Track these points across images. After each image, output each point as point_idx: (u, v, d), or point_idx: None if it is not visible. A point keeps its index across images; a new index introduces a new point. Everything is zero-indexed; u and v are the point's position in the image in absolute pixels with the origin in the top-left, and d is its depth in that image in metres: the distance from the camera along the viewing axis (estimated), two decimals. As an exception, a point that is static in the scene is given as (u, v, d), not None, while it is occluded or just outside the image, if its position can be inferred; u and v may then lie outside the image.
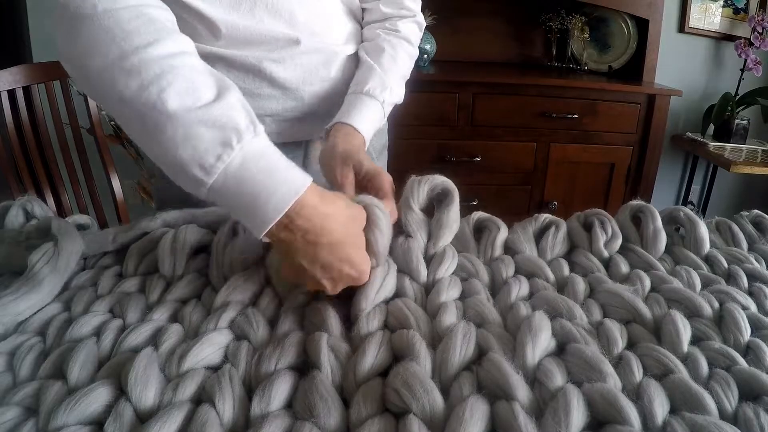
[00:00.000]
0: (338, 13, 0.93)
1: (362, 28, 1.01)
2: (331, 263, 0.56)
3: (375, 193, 0.71)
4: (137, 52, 0.54)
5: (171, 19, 0.62)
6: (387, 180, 0.75)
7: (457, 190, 0.70)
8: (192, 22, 0.79)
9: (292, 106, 0.91)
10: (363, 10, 1.00)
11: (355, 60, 0.97)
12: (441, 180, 0.70)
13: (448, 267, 0.66)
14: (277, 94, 0.89)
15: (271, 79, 0.86)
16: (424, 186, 0.69)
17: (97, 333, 0.56)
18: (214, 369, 0.50)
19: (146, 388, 0.46)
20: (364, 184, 0.76)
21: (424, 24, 1.04)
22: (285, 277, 0.61)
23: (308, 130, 0.98)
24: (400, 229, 0.69)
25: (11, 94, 1.49)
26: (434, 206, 0.72)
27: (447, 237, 0.70)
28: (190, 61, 0.57)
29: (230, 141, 0.52)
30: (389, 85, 0.92)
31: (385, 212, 0.63)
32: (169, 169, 0.55)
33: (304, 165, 1.00)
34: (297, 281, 0.60)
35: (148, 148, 0.56)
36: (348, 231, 0.58)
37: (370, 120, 0.88)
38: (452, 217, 0.70)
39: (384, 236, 0.63)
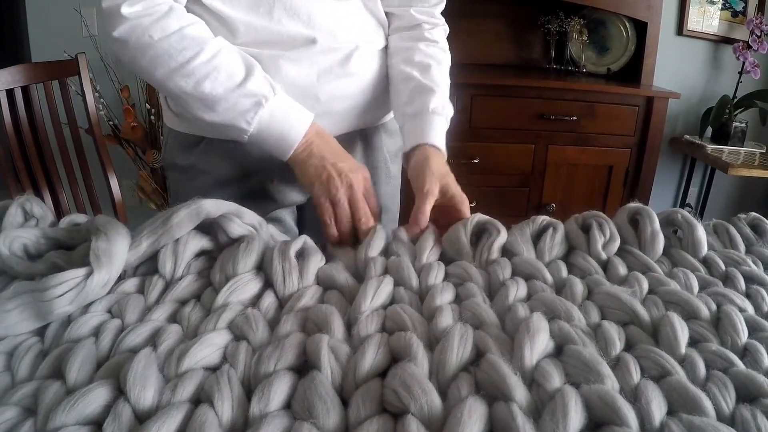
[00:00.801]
0: (358, 13, 0.94)
1: (390, 33, 1.02)
2: (333, 159, 0.82)
3: (452, 216, 0.83)
4: (190, 62, 0.77)
5: (204, 27, 0.81)
6: (467, 209, 0.84)
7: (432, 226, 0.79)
8: (211, 22, 0.84)
9: (306, 104, 0.91)
10: (388, 14, 1.01)
11: (377, 56, 0.98)
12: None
13: (436, 274, 0.67)
14: (293, 92, 0.89)
15: (284, 75, 0.88)
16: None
17: (96, 333, 0.55)
18: (213, 369, 0.51)
19: (145, 389, 0.46)
20: (446, 206, 0.85)
21: (448, 31, 1.06)
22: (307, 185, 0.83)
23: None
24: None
25: (10, 93, 1.49)
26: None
27: (429, 255, 0.73)
28: (225, 55, 0.80)
29: (261, 102, 0.80)
30: (446, 99, 0.97)
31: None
32: (221, 127, 0.83)
33: None
34: (312, 187, 0.82)
35: (207, 119, 0.81)
36: (339, 150, 0.86)
37: (443, 137, 0.94)
38: (430, 241, 0.75)
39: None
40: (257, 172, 0.97)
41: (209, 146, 0.95)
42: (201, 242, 0.70)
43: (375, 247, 0.72)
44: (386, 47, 1.02)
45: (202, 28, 0.81)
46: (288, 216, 1.04)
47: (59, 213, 1.63)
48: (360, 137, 1.05)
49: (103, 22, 0.77)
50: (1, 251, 0.64)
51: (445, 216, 0.83)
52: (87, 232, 0.67)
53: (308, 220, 1.09)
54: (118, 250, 0.63)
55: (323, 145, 0.83)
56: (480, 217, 0.76)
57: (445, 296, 0.62)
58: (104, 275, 0.60)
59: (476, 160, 2.48)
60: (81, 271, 0.59)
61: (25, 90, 1.54)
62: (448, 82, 1.01)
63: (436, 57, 0.99)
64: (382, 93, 1.01)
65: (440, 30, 1.03)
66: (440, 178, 0.85)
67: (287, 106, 0.83)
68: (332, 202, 0.79)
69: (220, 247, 0.71)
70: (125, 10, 0.73)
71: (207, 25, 0.83)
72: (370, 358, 0.50)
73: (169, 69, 0.77)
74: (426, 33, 1.00)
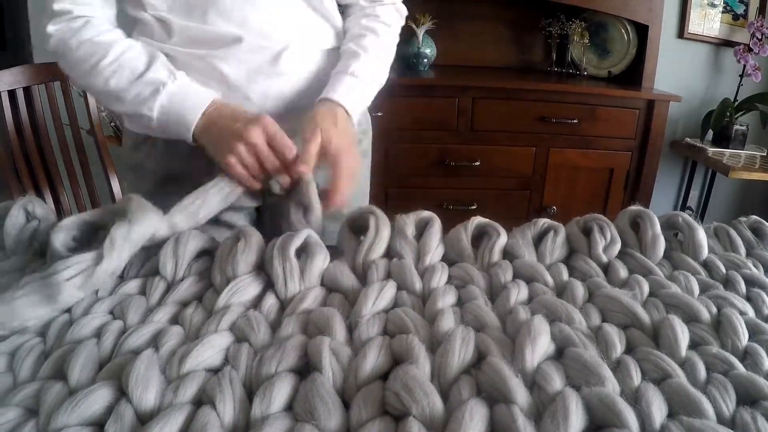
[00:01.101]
0: (298, 11, 0.95)
1: (344, 23, 1.04)
2: (229, 123, 0.83)
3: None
4: (98, 64, 0.85)
5: (116, 34, 0.89)
6: (341, 168, 0.87)
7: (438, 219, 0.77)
8: (149, 22, 0.90)
9: (239, 103, 0.92)
10: (343, 7, 1.04)
11: (318, 56, 0.99)
12: (427, 214, 0.77)
13: (440, 277, 0.67)
14: (224, 91, 0.91)
15: (216, 75, 0.91)
16: (411, 218, 0.76)
17: (98, 334, 0.56)
18: (215, 371, 0.51)
19: (147, 390, 0.47)
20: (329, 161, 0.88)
21: (405, 12, 1.09)
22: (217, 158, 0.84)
23: None
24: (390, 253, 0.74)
25: (12, 94, 1.49)
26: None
27: (433, 256, 0.72)
28: (128, 54, 0.86)
29: (159, 88, 0.85)
30: (372, 66, 0.99)
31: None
32: (132, 116, 0.90)
33: None
34: (222, 156, 0.82)
35: (120, 110, 0.89)
36: (236, 113, 0.85)
37: (354, 98, 0.95)
38: (435, 241, 0.73)
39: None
40: (204, 172, 0.92)
41: (154, 145, 0.97)
42: (201, 242, 0.70)
43: (377, 250, 0.71)
44: (335, 48, 1.03)
45: (112, 34, 0.88)
46: (242, 220, 1.03)
47: (60, 213, 1.63)
48: None
49: None
50: (58, 249, 0.65)
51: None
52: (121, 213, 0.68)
53: (268, 224, 1.07)
54: (136, 237, 0.65)
55: (221, 116, 0.84)
56: (480, 219, 0.76)
57: (447, 299, 0.62)
58: (114, 262, 0.62)
59: (477, 163, 2.48)
60: (89, 256, 0.60)
61: (27, 91, 1.54)
62: (384, 53, 1.04)
63: (372, 28, 1.01)
64: None
65: (386, 7, 1.04)
66: (315, 126, 0.87)
67: (186, 89, 0.86)
68: (242, 165, 0.81)
69: (221, 249, 0.71)
70: (50, 28, 0.86)
71: (145, 26, 0.92)
72: (372, 360, 0.50)
73: (83, 71, 0.86)
74: (368, 9, 1.03)
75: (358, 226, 0.75)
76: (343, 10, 1.05)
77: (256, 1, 0.89)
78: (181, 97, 0.85)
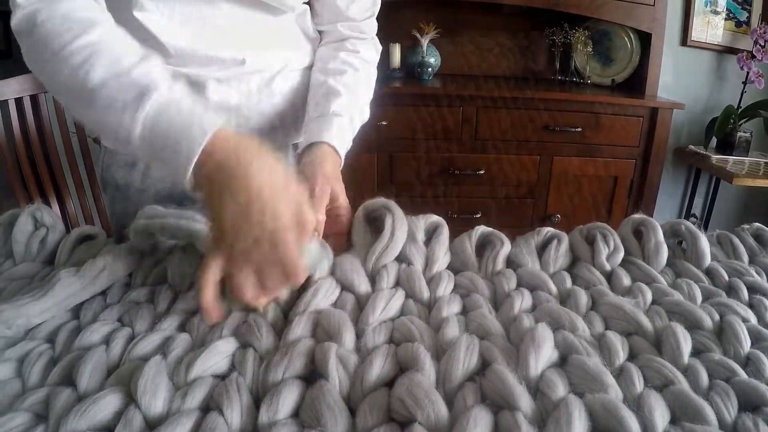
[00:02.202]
0: (290, 30, 0.95)
1: (318, 47, 1.01)
2: (264, 199, 0.56)
3: (333, 225, 0.77)
4: (70, 44, 0.62)
5: (97, 16, 0.67)
6: (348, 221, 0.77)
7: (446, 225, 0.76)
8: (143, 41, 0.78)
9: (235, 123, 0.92)
10: (320, 32, 1.01)
11: (303, 74, 0.98)
12: (436, 219, 0.77)
13: (446, 286, 0.67)
14: (221, 113, 0.87)
15: (212, 98, 0.87)
16: (421, 223, 0.75)
17: (107, 341, 0.56)
18: (222, 377, 0.51)
19: (155, 396, 0.47)
20: (329, 213, 0.77)
21: (380, 48, 1.05)
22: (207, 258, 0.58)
23: None
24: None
25: (18, 102, 1.51)
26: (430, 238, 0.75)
27: (441, 264, 0.72)
28: (114, 38, 0.65)
29: (148, 92, 0.59)
30: (356, 104, 0.93)
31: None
32: (106, 131, 0.65)
33: None
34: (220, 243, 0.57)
35: (91, 120, 0.65)
36: (273, 179, 0.58)
37: (342, 140, 0.88)
38: (443, 249, 0.73)
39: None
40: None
41: (148, 167, 0.92)
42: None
43: (391, 254, 0.70)
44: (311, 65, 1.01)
45: (97, 12, 0.68)
46: None
47: (66, 221, 1.64)
48: (293, 149, 1.05)
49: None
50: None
51: (327, 224, 0.75)
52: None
53: None
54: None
55: (249, 159, 0.57)
56: (483, 228, 0.76)
57: (452, 307, 0.62)
58: (100, 262, 0.65)
59: (481, 171, 2.48)
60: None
61: (34, 98, 1.55)
62: (367, 91, 0.98)
63: (352, 64, 0.96)
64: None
65: (366, 43, 1.01)
66: (329, 179, 0.79)
67: (181, 104, 0.61)
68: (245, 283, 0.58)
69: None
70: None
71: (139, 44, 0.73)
72: (378, 367, 0.51)
73: (46, 55, 0.64)
74: (348, 44, 0.99)
75: (371, 218, 0.75)
76: (321, 35, 1.02)
77: (256, 28, 0.87)
78: (177, 110, 0.60)
